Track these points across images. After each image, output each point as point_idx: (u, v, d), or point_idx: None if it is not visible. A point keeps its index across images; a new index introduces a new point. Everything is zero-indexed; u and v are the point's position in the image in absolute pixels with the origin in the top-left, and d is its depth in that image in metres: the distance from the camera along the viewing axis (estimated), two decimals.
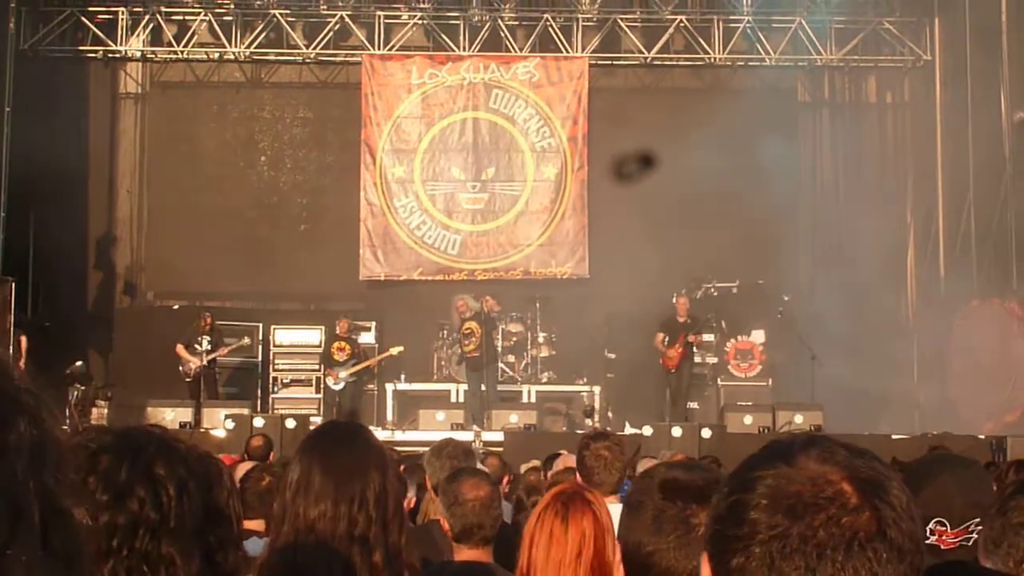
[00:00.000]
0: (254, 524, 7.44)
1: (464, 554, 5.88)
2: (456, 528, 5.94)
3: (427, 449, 8.20)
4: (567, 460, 9.24)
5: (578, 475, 7.64)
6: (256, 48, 28.61)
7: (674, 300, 25.05)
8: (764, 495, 2.00)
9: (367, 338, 26.56)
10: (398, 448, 15.73)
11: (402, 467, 11.82)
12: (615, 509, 7.25)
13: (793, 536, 1.95)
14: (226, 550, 2.45)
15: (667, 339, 24.59)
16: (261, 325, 26.79)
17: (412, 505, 8.61)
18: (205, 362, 24.62)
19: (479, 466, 8.86)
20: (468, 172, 28.45)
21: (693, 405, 24.79)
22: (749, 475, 2.05)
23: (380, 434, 21.45)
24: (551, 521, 4.77)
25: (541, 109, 28.42)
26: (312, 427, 4.47)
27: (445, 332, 26.39)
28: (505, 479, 12.61)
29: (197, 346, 24.72)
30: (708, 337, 25.72)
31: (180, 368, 24.68)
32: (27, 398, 1.48)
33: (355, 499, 4.04)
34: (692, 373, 24.98)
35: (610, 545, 4.78)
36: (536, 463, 13.56)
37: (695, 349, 24.94)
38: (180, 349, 24.66)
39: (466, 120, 28.48)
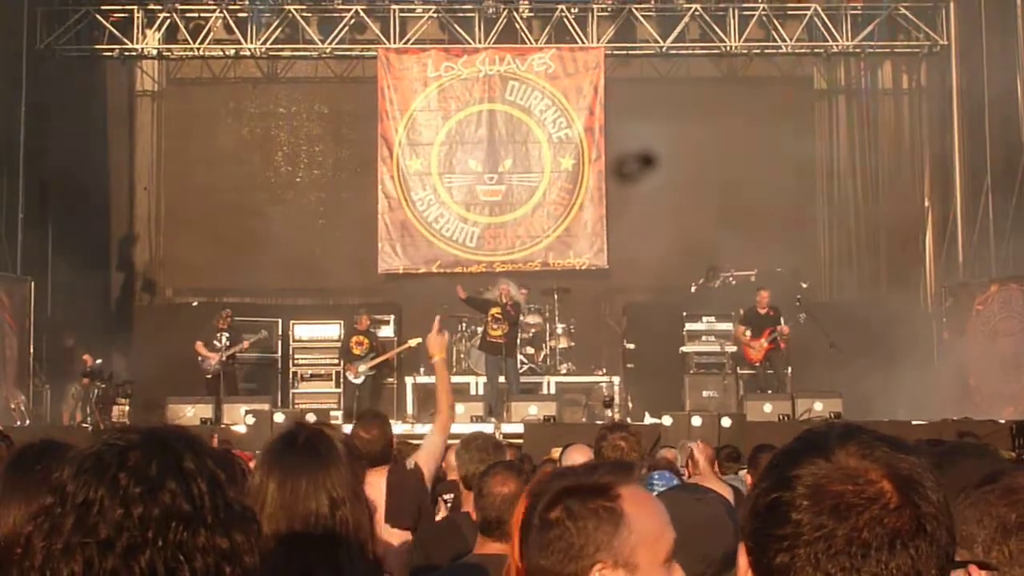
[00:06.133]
0: None
1: (487, 547, 5.89)
2: (479, 520, 6.00)
3: (456, 442, 8.35)
4: (577, 452, 9.27)
5: None
6: (272, 44, 28.69)
7: (756, 295, 24.78)
8: (806, 495, 2.04)
9: (386, 331, 26.56)
10: (414, 441, 15.68)
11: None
12: None
13: (838, 537, 2.00)
14: (254, 550, 2.50)
15: (749, 332, 24.59)
16: (280, 320, 26.79)
17: None
18: (224, 358, 24.72)
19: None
20: (485, 164, 28.48)
21: (712, 393, 24.69)
22: (788, 471, 2.08)
23: (399, 427, 21.45)
24: None
25: (557, 100, 28.46)
26: (277, 434, 4.26)
27: (464, 325, 26.33)
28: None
29: (216, 342, 24.83)
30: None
31: (200, 365, 24.79)
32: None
33: (309, 519, 3.95)
34: (785, 367, 24.91)
35: None
36: (555, 453, 13.52)
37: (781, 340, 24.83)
38: (199, 346, 24.77)
39: (482, 112, 28.53)
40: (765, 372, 24.64)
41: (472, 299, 24.97)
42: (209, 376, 24.68)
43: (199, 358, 24.79)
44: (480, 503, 6.01)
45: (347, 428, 10.50)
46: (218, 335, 24.90)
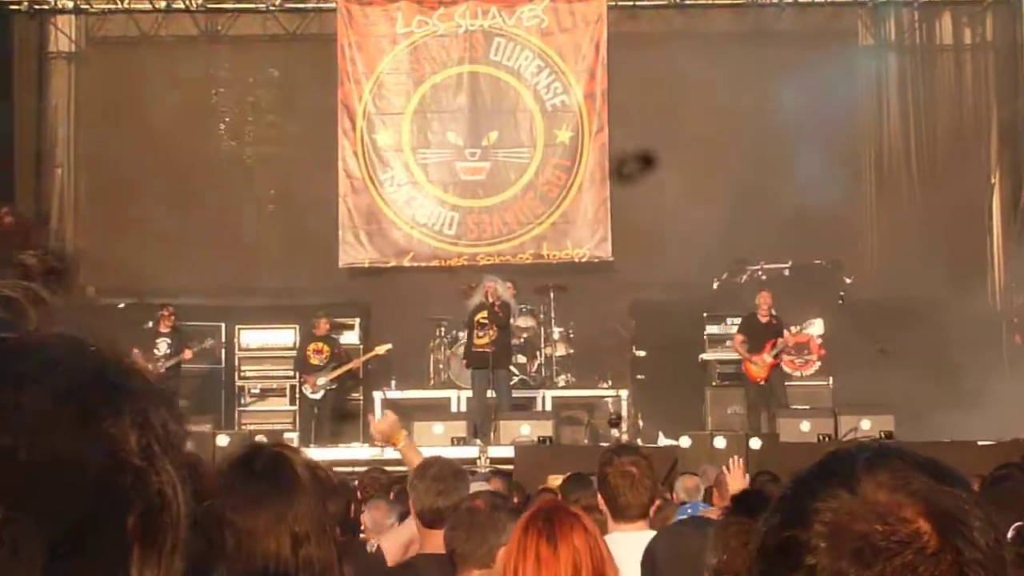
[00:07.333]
0: None
1: None
2: (452, 556, 6.03)
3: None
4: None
5: (599, 497, 7.67)
6: None
7: (757, 298, 24.68)
8: (824, 534, 1.95)
9: (350, 337, 26.58)
10: (389, 468, 15.55)
11: (391, 494, 11.77)
12: (644, 536, 7.15)
13: None
14: None
15: (748, 344, 24.39)
16: (224, 325, 26.78)
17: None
18: (163, 369, 24.45)
19: (480, 487, 8.81)
20: (466, 137, 28.42)
21: (738, 409, 24.61)
22: (804, 504, 2.00)
23: (366, 452, 21.30)
24: (535, 543, 4.85)
25: (552, 61, 28.37)
26: (232, 456, 4.35)
27: (443, 329, 26.24)
28: (515, 501, 12.50)
29: (155, 350, 24.58)
30: (814, 329, 25.20)
31: None
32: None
33: (268, 560, 3.89)
34: (785, 384, 24.78)
35: (610, 567, 4.84)
36: (553, 482, 13.40)
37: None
38: (136, 354, 24.44)
39: (462, 75, 28.46)
40: (768, 391, 24.50)
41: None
42: None
43: None
44: (446, 535, 6.09)
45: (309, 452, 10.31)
46: (156, 341, 24.66)
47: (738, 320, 25.63)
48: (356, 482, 14.01)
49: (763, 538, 2.04)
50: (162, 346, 24.69)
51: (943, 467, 2.02)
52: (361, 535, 10.07)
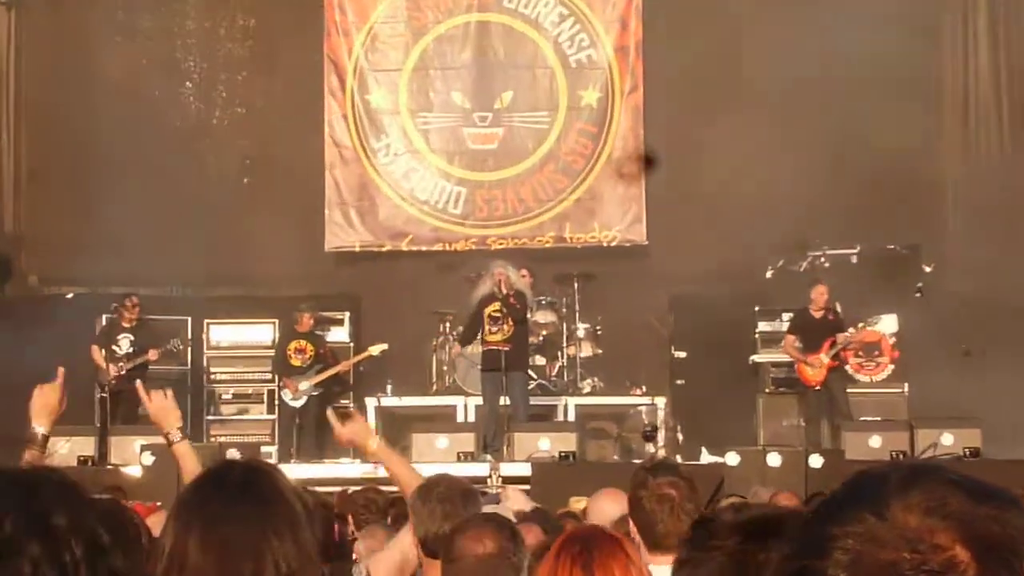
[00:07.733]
0: None
1: None
2: None
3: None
4: (611, 499, 9.02)
5: (631, 524, 7.51)
6: None
7: (811, 291, 24.53)
8: (844, 564, 1.99)
9: (338, 334, 26.77)
10: (384, 488, 15.39)
11: (388, 517, 11.69)
12: None
13: None
14: None
15: (802, 344, 24.30)
16: (190, 319, 26.91)
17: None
18: (125, 371, 24.31)
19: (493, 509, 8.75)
20: (474, 99, 28.48)
21: (796, 421, 24.64)
22: (824, 530, 2.04)
23: (357, 469, 21.20)
24: (569, 573, 4.89)
25: (576, 8, 28.42)
26: (200, 473, 4.46)
27: (448, 324, 26.17)
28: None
29: (116, 347, 24.55)
30: (885, 326, 25.08)
31: (96, 378, 24.46)
32: None
33: None
34: (847, 391, 24.69)
35: None
36: (576, 504, 13.28)
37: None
38: (95, 351, 24.44)
39: (470, 25, 28.55)
40: (827, 399, 24.42)
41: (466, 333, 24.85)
42: (105, 395, 24.28)
43: (96, 369, 24.46)
44: (449, 571, 6.16)
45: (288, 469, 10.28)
46: (118, 337, 24.57)
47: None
48: (335, 496, 13.83)
49: (777, 569, 2.11)
50: (124, 343, 24.61)
51: (989, 486, 2.03)
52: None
